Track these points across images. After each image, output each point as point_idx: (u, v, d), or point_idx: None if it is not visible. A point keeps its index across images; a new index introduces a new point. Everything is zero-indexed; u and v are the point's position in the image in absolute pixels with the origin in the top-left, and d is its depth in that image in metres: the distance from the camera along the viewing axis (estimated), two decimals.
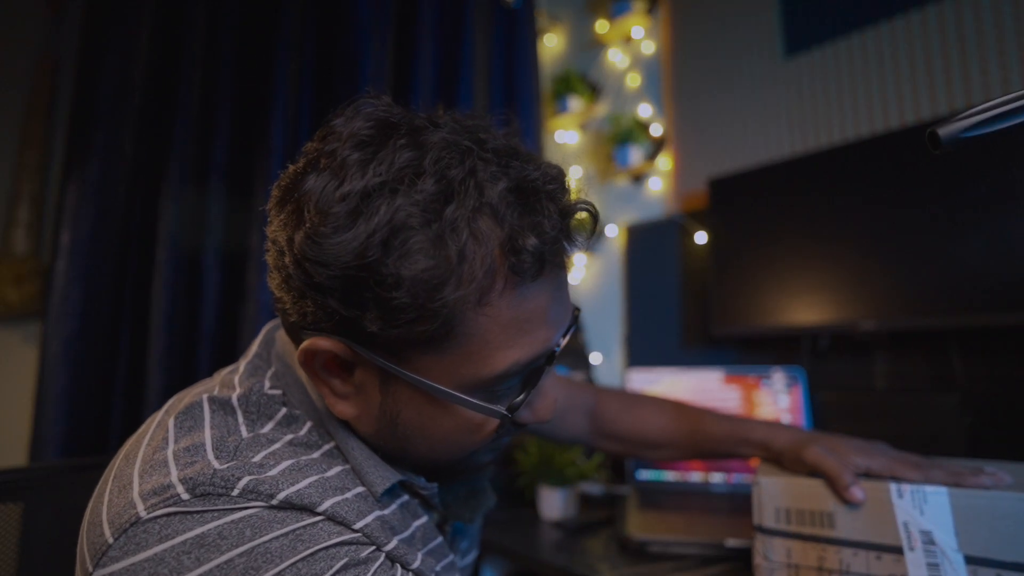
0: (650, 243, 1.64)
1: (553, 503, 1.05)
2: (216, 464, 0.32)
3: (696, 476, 1.14)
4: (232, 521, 0.30)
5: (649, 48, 1.73)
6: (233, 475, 0.32)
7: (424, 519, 0.44)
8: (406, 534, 0.41)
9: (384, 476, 0.40)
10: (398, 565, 0.37)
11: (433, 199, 0.32)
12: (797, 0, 1.41)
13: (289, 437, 0.37)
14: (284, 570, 0.29)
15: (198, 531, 0.29)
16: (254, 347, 0.46)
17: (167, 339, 1.12)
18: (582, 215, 0.37)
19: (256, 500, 0.31)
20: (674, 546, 0.84)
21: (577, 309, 0.43)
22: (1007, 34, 1.10)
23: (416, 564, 0.38)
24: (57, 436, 0.99)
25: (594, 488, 1.14)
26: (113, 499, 0.32)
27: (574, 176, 0.39)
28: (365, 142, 0.34)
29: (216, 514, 0.30)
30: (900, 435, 1.08)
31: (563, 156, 1.97)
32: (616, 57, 1.81)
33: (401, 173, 0.32)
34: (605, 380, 1.69)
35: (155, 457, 0.34)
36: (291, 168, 0.38)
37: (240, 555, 0.29)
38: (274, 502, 0.31)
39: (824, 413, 1.18)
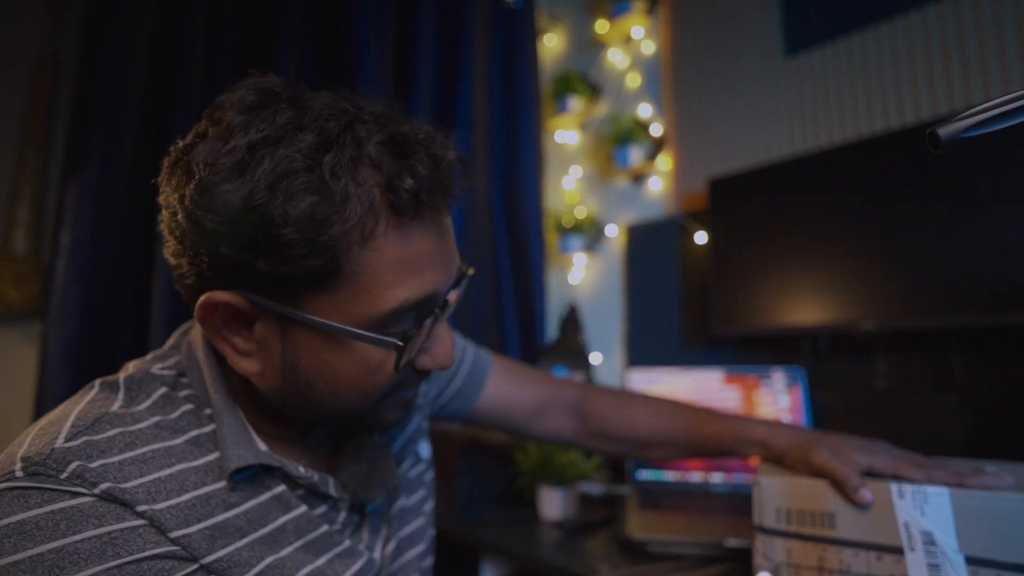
0: (650, 243, 1.64)
1: (553, 503, 1.05)
2: (58, 443, 0.34)
3: (696, 476, 1.14)
4: (51, 511, 0.31)
5: (649, 48, 1.73)
6: (64, 458, 0.33)
7: (300, 510, 0.43)
8: (265, 530, 0.40)
9: (242, 455, 0.39)
10: None
11: (314, 148, 0.35)
12: (797, 0, 1.41)
13: (157, 419, 0.38)
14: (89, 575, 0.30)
15: (20, 516, 0.31)
16: (169, 340, 0.48)
17: (166, 339, 1.12)
18: (451, 156, 0.39)
19: (80, 486, 0.32)
20: (674, 546, 0.84)
21: (467, 267, 0.46)
22: (1007, 34, 1.10)
23: (265, 562, 0.38)
24: None
25: (594, 488, 1.14)
26: None
27: (448, 138, 0.39)
28: (249, 107, 0.37)
29: (40, 500, 0.31)
30: (900, 435, 1.08)
31: (563, 156, 1.97)
32: (616, 57, 1.81)
33: (283, 128, 0.35)
34: (605, 380, 1.69)
35: (30, 429, 0.36)
36: (180, 143, 0.39)
37: (50, 551, 0.30)
38: (96, 491, 0.32)
39: (824, 413, 1.18)
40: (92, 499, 0.32)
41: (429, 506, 0.60)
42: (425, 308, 0.40)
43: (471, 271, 0.46)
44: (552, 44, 2.05)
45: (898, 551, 0.45)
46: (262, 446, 0.41)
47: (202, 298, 0.37)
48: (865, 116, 1.27)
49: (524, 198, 1.81)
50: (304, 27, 1.36)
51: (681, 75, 1.64)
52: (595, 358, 1.71)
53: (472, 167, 0.43)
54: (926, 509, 0.45)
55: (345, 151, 0.35)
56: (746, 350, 1.41)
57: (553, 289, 1.91)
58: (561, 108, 1.87)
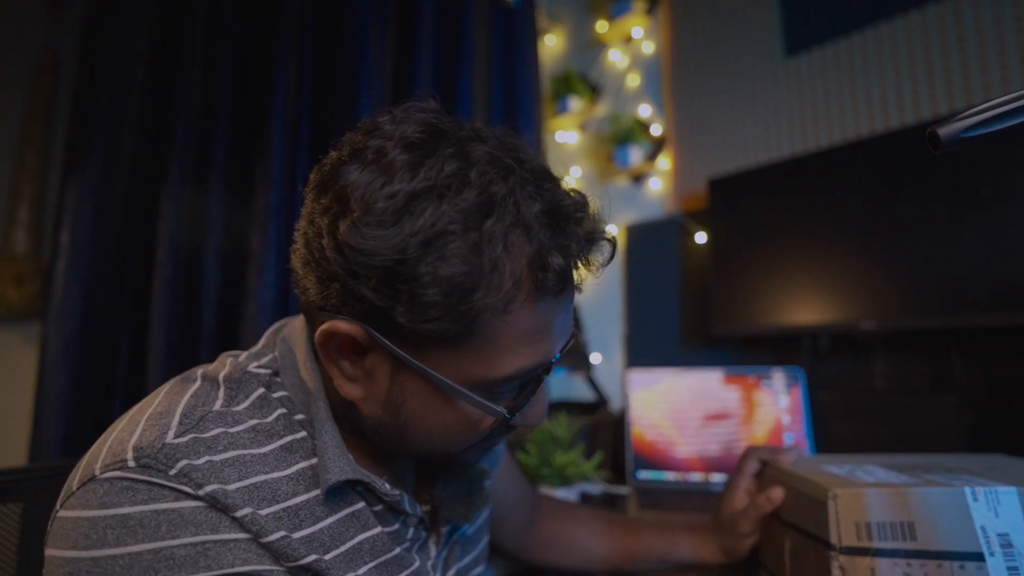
0: (650, 243, 1.64)
1: None
2: (168, 437, 0.35)
3: (696, 476, 1.14)
4: (156, 511, 0.33)
5: (649, 48, 1.73)
6: (174, 455, 0.35)
7: (376, 530, 0.43)
8: (343, 548, 0.41)
9: (342, 468, 0.40)
10: None
11: (475, 210, 0.34)
12: (797, 0, 1.41)
13: (254, 422, 0.40)
14: None
15: (127, 510, 0.33)
16: (262, 340, 0.49)
17: (167, 339, 1.12)
18: (603, 242, 0.42)
19: (187, 486, 0.34)
20: None
21: (577, 327, 0.47)
22: (1007, 34, 1.10)
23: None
24: (57, 436, 0.99)
25: (594, 488, 1.14)
26: (97, 446, 0.37)
27: (597, 204, 0.39)
28: (415, 144, 0.36)
29: (148, 497, 0.33)
30: (900, 435, 1.08)
31: (563, 156, 1.97)
32: (616, 57, 1.81)
33: (448, 180, 0.35)
34: (605, 380, 1.70)
35: (136, 416, 0.38)
36: (333, 155, 0.40)
37: (149, 551, 0.32)
38: (201, 492, 0.34)
39: (824, 413, 1.18)
40: (195, 504, 0.34)
41: (486, 539, 0.60)
42: (534, 374, 0.41)
43: (577, 340, 0.47)
44: (552, 44, 2.05)
45: (978, 557, 0.43)
46: (358, 466, 0.42)
47: (326, 325, 0.38)
48: (865, 116, 1.27)
49: None
50: (304, 27, 1.36)
51: (681, 75, 1.64)
52: (595, 358, 1.71)
53: (615, 245, 0.44)
54: (999, 510, 0.44)
55: (506, 217, 0.35)
56: (746, 350, 1.41)
57: None
58: (561, 108, 1.87)
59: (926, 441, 1.05)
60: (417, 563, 0.47)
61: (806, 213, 1.23)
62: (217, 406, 0.39)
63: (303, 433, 0.42)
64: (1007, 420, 1.02)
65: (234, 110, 1.27)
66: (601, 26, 1.81)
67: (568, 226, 0.38)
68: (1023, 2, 1.09)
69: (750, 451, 0.66)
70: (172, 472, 0.34)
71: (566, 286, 0.39)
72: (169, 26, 1.23)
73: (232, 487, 0.36)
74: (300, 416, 0.43)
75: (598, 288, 1.80)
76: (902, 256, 1.09)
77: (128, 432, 0.36)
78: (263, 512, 0.36)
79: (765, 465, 0.64)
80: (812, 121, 1.36)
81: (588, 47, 1.92)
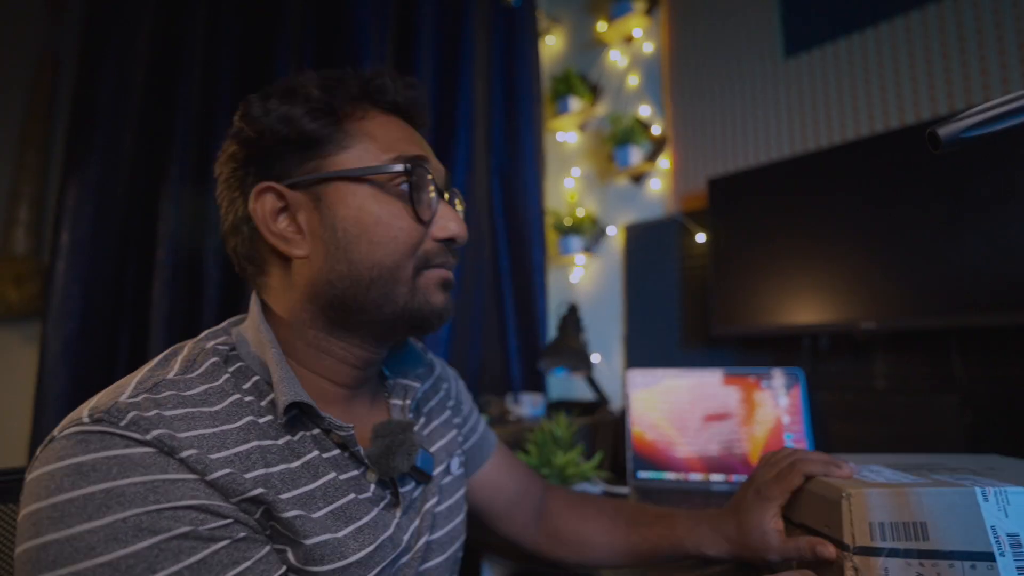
0: (649, 243, 1.64)
1: None
2: (122, 398, 0.39)
3: (696, 476, 1.14)
4: (106, 456, 0.36)
5: (649, 48, 1.73)
6: (125, 409, 0.38)
7: (329, 476, 0.46)
8: (298, 491, 0.43)
9: (296, 392, 0.45)
10: (258, 546, 0.40)
11: (312, 76, 0.51)
12: (797, 0, 1.41)
13: (205, 387, 0.43)
14: (130, 516, 0.35)
15: (80, 459, 0.36)
16: (223, 323, 0.54)
17: (167, 339, 1.12)
18: (412, 86, 0.53)
19: (135, 433, 0.37)
20: None
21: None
22: (1007, 34, 1.10)
23: (292, 513, 0.42)
24: None
25: (594, 488, 1.14)
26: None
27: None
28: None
29: (99, 446, 0.37)
30: (900, 435, 1.08)
31: (563, 156, 1.97)
32: (616, 57, 1.81)
33: (286, 81, 0.51)
34: (605, 380, 1.70)
35: (110, 386, 0.42)
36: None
37: (101, 491, 0.35)
38: (148, 436, 0.38)
39: (824, 413, 1.18)
40: (143, 450, 0.37)
41: (460, 518, 0.62)
42: (418, 164, 0.49)
43: (464, 202, 0.57)
44: (552, 44, 2.05)
45: (989, 557, 0.43)
46: (308, 396, 0.46)
47: (253, 191, 0.48)
48: (865, 116, 1.27)
49: (524, 198, 1.81)
50: (304, 27, 1.36)
51: (681, 75, 1.64)
52: (595, 358, 1.71)
53: (425, 96, 0.55)
54: (1008, 510, 0.45)
55: (334, 73, 0.51)
56: (746, 350, 1.41)
57: (553, 289, 1.91)
58: (561, 108, 1.87)
59: (926, 441, 1.05)
60: (373, 514, 0.48)
61: (806, 213, 1.23)
62: (171, 375, 0.43)
63: (252, 397, 0.45)
64: (1007, 420, 1.02)
65: (234, 110, 1.26)
66: (601, 26, 1.81)
67: (382, 72, 0.52)
68: (1023, 2, 1.09)
69: (796, 463, 0.56)
70: (122, 423, 0.38)
71: (401, 107, 0.52)
72: (169, 26, 1.23)
73: (181, 435, 0.39)
74: (255, 379, 0.46)
75: (598, 288, 1.80)
76: (902, 256, 1.09)
77: (86, 404, 0.41)
78: (211, 456, 0.39)
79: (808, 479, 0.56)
80: (812, 121, 1.36)
81: (588, 47, 1.92)
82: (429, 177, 0.50)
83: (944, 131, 0.36)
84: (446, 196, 0.54)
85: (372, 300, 0.48)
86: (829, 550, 0.49)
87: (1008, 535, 0.44)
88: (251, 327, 0.50)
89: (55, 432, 0.39)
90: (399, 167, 0.48)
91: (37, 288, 1.21)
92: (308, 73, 0.51)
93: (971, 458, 0.61)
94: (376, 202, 0.48)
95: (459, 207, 0.56)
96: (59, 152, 1.24)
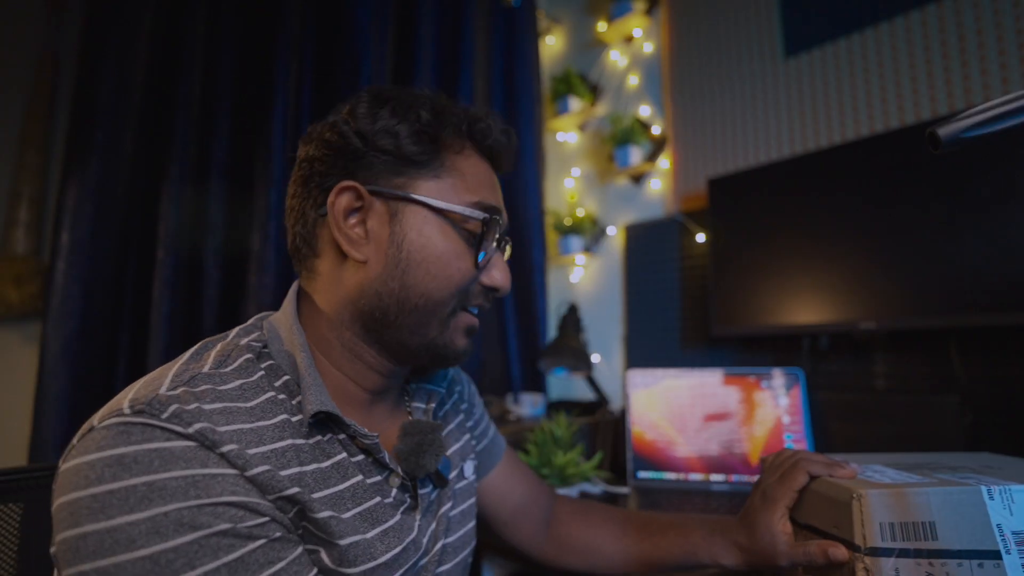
0: (649, 242, 1.64)
1: None
2: (162, 390, 0.40)
3: (696, 476, 1.14)
4: (148, 449, 0.37)
5: (649, 48, 1.73)
6: (166, 402, 0.39)
7: (356, 478, 0.47)
8: (327, 492, 0.44)
9: (323, 401, 0.45)
10: (292, 546, 0.41)
11: (428, 96, 0.52)
12: (797, 0, 1.41)
13: (240, 382, 0.44)
14: (171, 511, 0.35)
15: (122, 450, 0.36)
16: (250, 320, 0.54)
17: (167, 339, 1.12)
18: (508, 133, 0.55)
19: (177, 426, 0.38)
20: None
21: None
22: (1007, 34, 1.10)
23: (325, 514, 0.43)
24: (57, 436, 0.99)
25: (594, 488, 1.14)
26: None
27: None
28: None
29: (141, 438, 0.37)
30: (900, 435, 1.08)
31: (563, 156, 1.97)
32: (616, 57, 1.81)
33: (402, 92, 0.52)
34: (605, 380, 1.70)
35: (133, 385, 0.42)
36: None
37: (143, 484, 0.35)
38: (190, 430, 0.38)
39: (824, 413, 1.18)
40: (184, 444, 0.38)
41: (472, 524, 0.62)
42: (494, 215, 0.51)
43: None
44: (552, 44, 2.05)
45: (996, 555, 0.44)
46: (335, 406, 0.47)
47: (336, 187, 0.48)
48: (865, 116, 1.27)
49: (524, 198, 1.81)
50: (304, 27, 1.36)
51: (681, 75, 1.64)
52: (595, 358, 1.71)
53: (518, 146, 0.57)
54: (1013, 508, 0.45)
55: (446, 101, 0.52)
56: (746, 350, 1.41)
57: (553, 289, 1.91)
58: (561, 108, 1.87)
59: (926, 441, 1.05)
60: (398, 518, 0.49)
61: (806, 213, 1.23)
62: (206, 369, 0.43)
63: (284, 395, 0.46)
64: (1007, 420, 1.02)
65: (234, 110, 1.27)
66: (601, 26, 1.81)
67: (488, 115, 0.54)
68: (1023, 2, 1.09)
69: (800, 462, 0.56)
70: (164, 416, 0.38)
71: (491, 145, 0.54)
72: (169, 26, 1.23)
73: (221, 429, 0.39)
74: (285, 378, 0.47)
75: (598, 288, 1.80)
76: (902, 256, 1.09)
77: (124, 394, 0.41)
78: (250, 451, 0.40)
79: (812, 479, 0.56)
80: (812, 121, 1.36)
81: (588, 47, 1.92)
82: (497, 230, 0.52)
83: (944, 131, 0.36)
84: (501, 243, 0.56)
85: (407, 324, 0.50)
86: (841, 552, 0.48)
87: (1013, 533, 0.44)
88: (284, 324, 0.50)
89: (94, 421, 0.39)
90: (479, 215, 0.50)
91: (37, 288, 1.21)
92: (424, 92, 0.52)
93: (968, 456, 0.61)
94: (445, 237, 0.49)
95: (507, 253, 0.59)
96: (59, 152, 1.24)
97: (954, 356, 1.08)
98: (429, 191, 0.49)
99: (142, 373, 1.21)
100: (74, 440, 0.39)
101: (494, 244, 0.52)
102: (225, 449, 0.39)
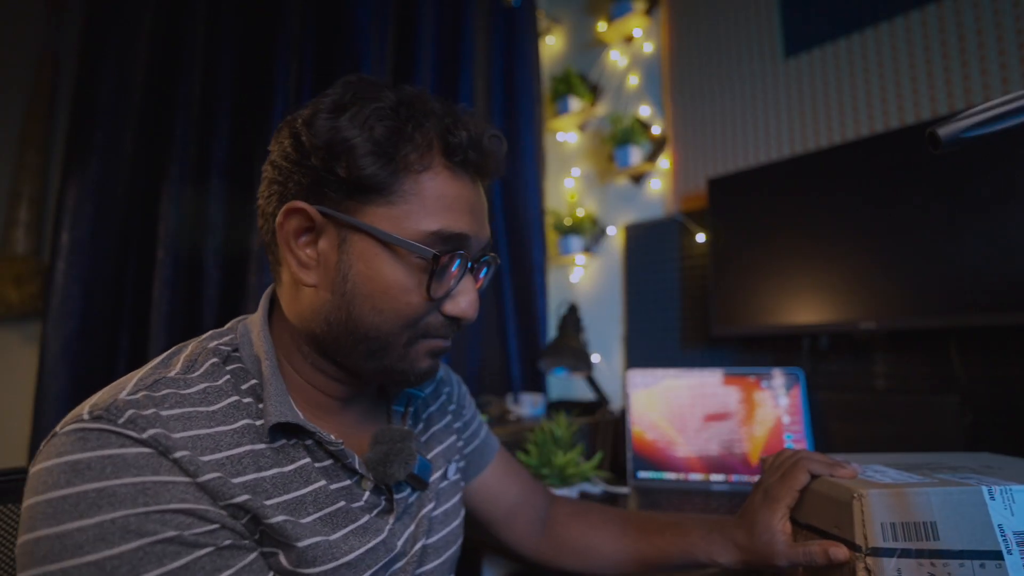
0: (649, 242, 1.64)
1: None
2: (122, 395, 0.40)
3: (696, 476, 1.14)
4: (102, 456, 0.37)
5: (649, 48, 1.73)
6: (124, 407, 0.39)
7: (319, 483, 0.47)
8: (285, 497, 0.44)
9: (283, 412, 0.45)
10: (243, 553, 0.41)
11: (394, 103, 0.46)
12: (797, 1, 1.41)
13: (204, 385, 0.44)
14: (118, 517, 0.36)
15: (76, 456, 0.37)
16: (228, 324, 0.54)
17: (167, 339, 1.12)
18: (494, 136, 0.50)
19: (132, 431, 0.38)
20: None
21: (496, 257, 0.53)
22: (1007, 34, 1.10)
23: (279, 519, 0.42)
24: None
25: (594, 488, 1.14)
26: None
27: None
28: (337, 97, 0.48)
29: (96, 444, 0.37)
30: (900, 435, 1.08)
31: (563, 156, 1.97)
32: (616, 57, 1.81)
33: (370, 93, 0.46)
34: (605, 380, 1.70)
35: (113, 383, 0.43)
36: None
37: (94, 490, 0.36)
38: (144, 435, 0.38)
39: (824, 413, 1.18)
40: (138, 450, 0.38)
41: (458, 521, 0.62)
42: (457, 245, 0.47)
43: (498, 260, 0.53)
44: (552, 44, 2.05)
45: (997, 556, 0.43)
46: (299, 413, 0.46)
47: (285, 206, 0.46)
48: (865, 116, 1.27)
49: (524, 198, 1.81)
50: (304, 27, 1.36)
51: (681, 75, 1.64)
52: (594, 358, 1.71)
53: (506, 151, 0.52)
54: (1014, 508, 0.45)
55: (418, 107, 0.46)
56: (746, 350, 1.41)
57: (553, 289, 1.91)
58: (561, 109, 1.87)
59: (926, 441, 1.05)
60: (364, 519, 0.49)
61: (806, 213, 1.23)
62: (172, 373, 0.44)
63: (250, 399, 0.46)
64: (1007, 420, 1.02)
65: (234, 110, 1.27)
66: (601, 26, 1.81)
67: (467, 120, 0.48)
68: (1023, 2, 1.09)
69: (801, 461, 0.55)
70: (120, 421, 0.38)
71: (467, 159, 0.47)
72: (169, 26, 1.23)
73: (176, 435, 0.39)
74: (252, 382, 0.47)
75: (598, 288, 1.80)
76: (902, 256, 1.09)
77: (89, 400, 0.41)
78: (203, 458, 0.40)
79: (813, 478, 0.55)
80: (812, 121, 1.36)
81: (588, 47, 1.92)
82: (457, 260, 0.48)
83: (944, 131, 0.36)
84: (472, 267, 0.50)
85: (359, 352, 0.48)
86: (843, 552, 0.48)
87: (1015, 533, 0.44)
88: (255, 327, 0.51)
89: (57, 428, 0.40)
90: (427, 252, 0.45)
91: (37, 288, 1.21)
92: (389, 96, 0.46)
93: (967, 456, 0.61)
94: (394, 270, 0.46)
95: (492, 267, 0.54)
96: (59, 152, 1.24)
97: (954, 356, 1.08)
98: (379, 219, 0.45)
99: None
100: (41, 446, 0.40)
101: (456, 273, 0.48)
102: (178, 455, 0.39)
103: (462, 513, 0.64)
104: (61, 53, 1.32)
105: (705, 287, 1.47)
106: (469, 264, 0.49)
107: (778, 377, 1.14)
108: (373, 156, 0.44)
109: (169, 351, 0.47)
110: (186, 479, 0.39)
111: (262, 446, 0.44)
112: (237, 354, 0.49)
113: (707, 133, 1.56)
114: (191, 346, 0.48)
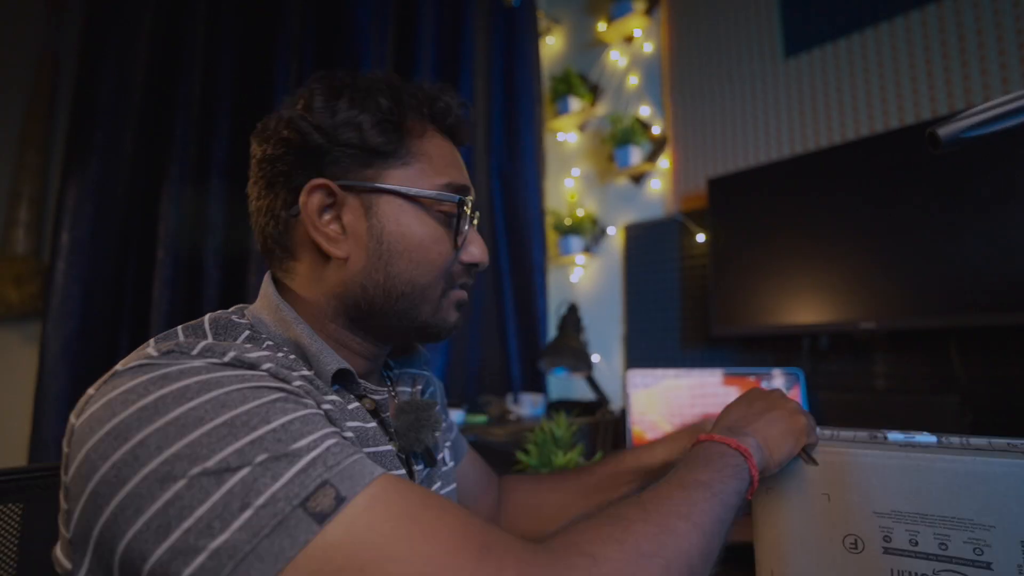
0: (649, 242, 1.64)
1: None
2: (182, 339, 0.40)
3: None
4: (191, 366, 0.36)
5: (649, 48, 1.73)
6: (193, 343, 0.39)
7: (372, 424, 0.48)
8: (354, 423, 0.46)
9: (339, 360, 0.46)
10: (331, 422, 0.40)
11: (382, 82, 0.51)
12: (797, 1, 1.41)
13: (249, 346, 0.43)
14: (232, 390, 0.34)
15: (162, 371, 0.35)
16: (230, 310, 0.53)
17: None
18: (463, 107, 0.56)
19: (211, 358, 0.37)
20: None
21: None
22: (1007, 34, 1.10)
23: (350, 435, 0.42)
24: (57, 437, 0.99)
25: None
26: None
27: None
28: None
29: (178, 360, 0.36)
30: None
31: (563, 156, 1.97)
32: (616, 57, 1.81)
33: (352, 80, 0.51)
34: (605, 380, 1.70)
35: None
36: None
37: (196, 383, 0.34)
38: (225, 359, 0.37)
39: (824, 413, 1.18)
40: (225, 370, 0.37)
41: (452, 482, 0.64)
42: (465, 194, 0.52)
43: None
44: (552, 44, 2.05)
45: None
46: (347, 364, 0.47)
47: (307, 184, 0.47)
48: (865, 116, 1.27)
49: (524, 198, 1.81)
50: (304, 27, 1.36)
51: (681, 75, 1.64)
52: (594, 358, 1.71)
53: (474, 117, 0.55)
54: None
55: (401, 84, 0.52)
56: (746, 350, 1.41)
57: (553, 289, 1.91)
58: (561, 108, 1.87)
59: None
60: (402, 470, 0.50)
61: (806, 213, 1.23)
62: (209, 340, 0.42)
63: (295, 359, 0.46)
64: (1007, 420, 1.02)
65: (234, 110, 1.27)
66: (601, 26, 1.81)
67: (439, 89, 0.54)
68: (1023, 2, 1.09)
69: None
70: (194, 352, 0.38)
71: (453, 124, 0.54)
72: (169, 26, 1.23)
73: (253, 355, 0.39)
74: (290, 354, 0.46)
75: (598, 288, 1.80)
76: (902, 256, 1.09)
77: (138, 351, 0.40)
78: (287, 372, 0.40)
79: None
80: (812, 121, 1.36)
81: (588, 47, 1.92)
82: (469, 208, 0.52)
83: (944, 131, 0.36)
84: (472, 220, 0.55)
85: (396, 311, 0.50)
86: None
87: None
88: (267, 309, 0.50)
89: (118, 367, 0.37)
90: (452, 197, 0.50)
91: (37, 288, 1.21)
92: (377, 76, 0.52)
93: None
94: (422, 223, 0.50)
95: (476, 223, 0.58)
96: (59, 152, 1.24)
97: (954, 356, 1.08)
98: (400, 179, 0.49)
99: None
100: (90, 391, 0.37)
101: (465, 229, 0.52)
102: (265, 367, 0.38)
103: (456, 500, 0.65)
104: (61, 53, 1.32)
105: (705, 287, 1.47)
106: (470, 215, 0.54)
107: (778, 377, 1.14)
108: (382, 126, 0.48)
109: (178, 328, 0.45)
110: (278, 383, 0.38)
111: (325, 390, 0.44)
112: (259, 333, 0.48)
113: (707, 133, 1.56)
114: (205, 321, 0.46)
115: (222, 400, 0.34)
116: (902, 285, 1.08)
